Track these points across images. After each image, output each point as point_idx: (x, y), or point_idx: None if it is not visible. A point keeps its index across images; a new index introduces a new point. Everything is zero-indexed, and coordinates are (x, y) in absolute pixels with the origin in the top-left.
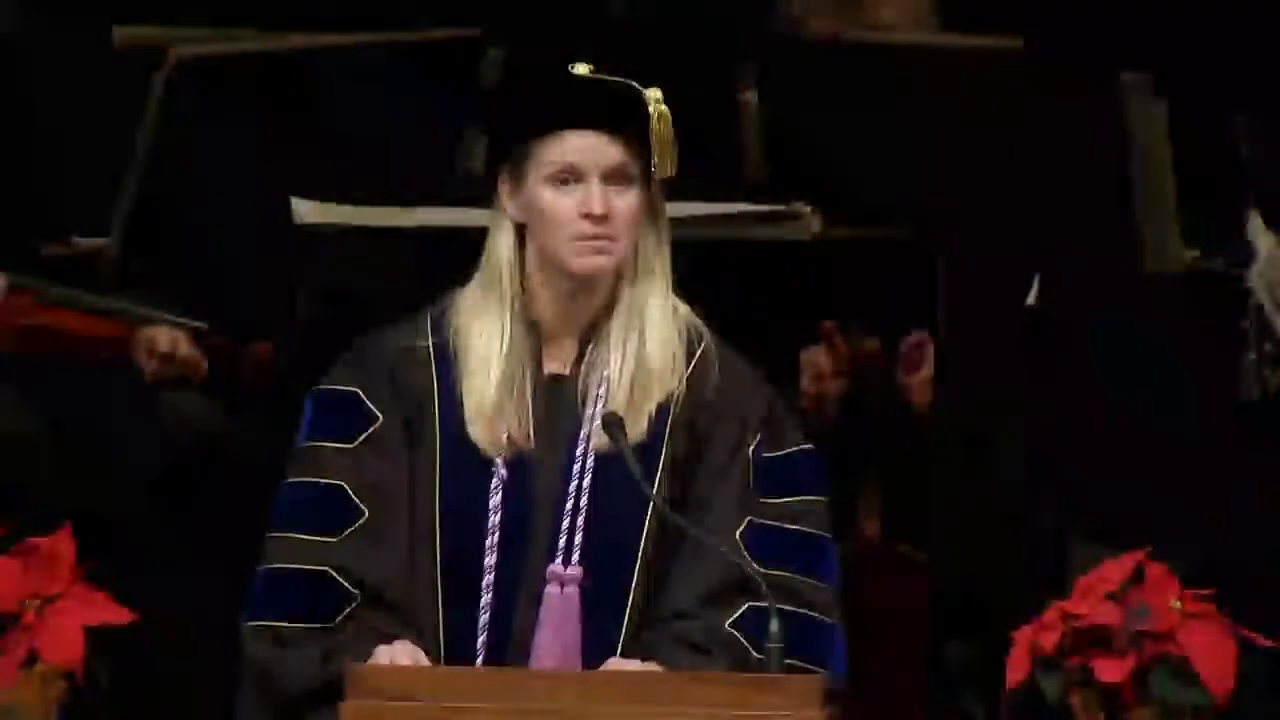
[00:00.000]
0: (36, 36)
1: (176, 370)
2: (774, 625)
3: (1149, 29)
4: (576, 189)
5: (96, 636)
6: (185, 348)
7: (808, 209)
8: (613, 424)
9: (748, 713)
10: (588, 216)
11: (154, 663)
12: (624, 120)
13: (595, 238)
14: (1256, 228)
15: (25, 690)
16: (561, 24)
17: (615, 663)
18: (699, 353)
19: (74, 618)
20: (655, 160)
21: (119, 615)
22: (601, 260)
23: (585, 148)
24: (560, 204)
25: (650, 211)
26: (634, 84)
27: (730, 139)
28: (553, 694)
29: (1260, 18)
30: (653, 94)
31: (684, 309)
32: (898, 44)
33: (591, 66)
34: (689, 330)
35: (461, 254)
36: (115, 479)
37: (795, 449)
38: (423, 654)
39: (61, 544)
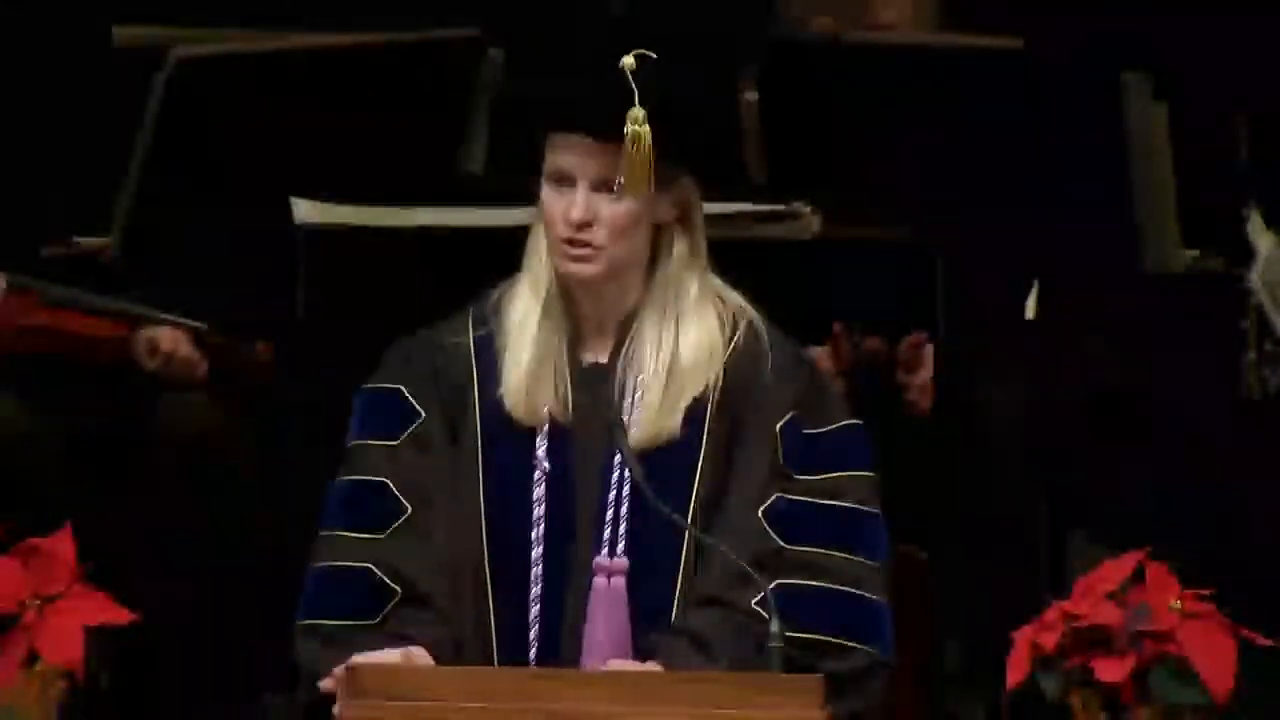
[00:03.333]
0: (36, 36)
1: (177, 370)
2: (774, 625)
3: (1149, 29)
4: (568, 193)
5: (96, 636)
6: (185, 348)
7: (808, 209)
8: (614, 426)
9: (748, 712)
10: (569, 222)
11: (154, 663)
12: (614, 129)
13: (578, 244)
14: (1256, 228)
15: (25, 690)
16: (561, 24)
17: (616, 663)
18: (739, 336)
19: (74, 618)
20: (622, 179)
21: (119, 615)
22: (583, 268)
23: (574, 154)
24: (553, 206)
25: (681, 205)
26: (635, 90)
27: (730, 139)
28: (552, 694)
29: (1260, 18)
30: (635, 113)
31: (727, 292)
32: (898, 44)
33: (634, 62)
34: (733, 314)
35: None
36: (115, 479)
37: (837, 425)
38: (416, 656)
39: (61, 544)
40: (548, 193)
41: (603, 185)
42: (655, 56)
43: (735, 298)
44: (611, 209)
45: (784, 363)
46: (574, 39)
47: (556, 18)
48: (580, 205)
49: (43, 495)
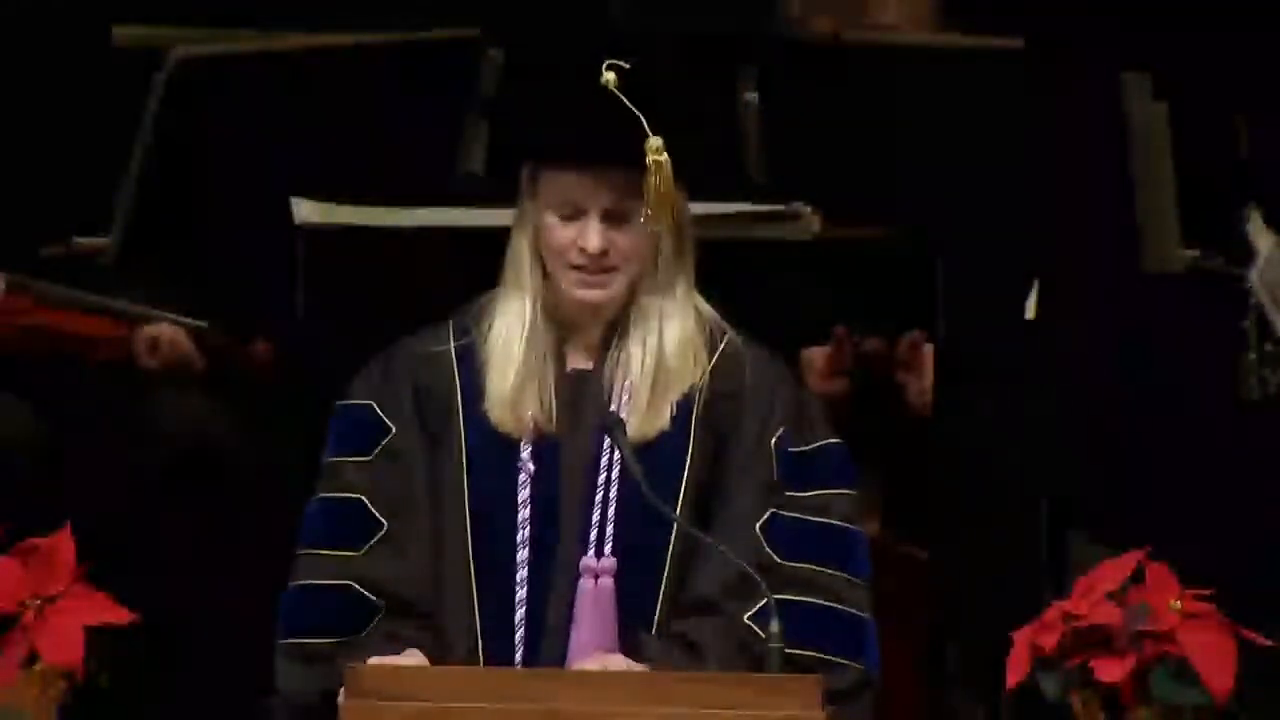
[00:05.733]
0: (36, 36)
1: (176, 369)
2: (774, 625)
3: (1149, 29)
4: (577, 222)
5: (96, 636)
6: (185, 346)
7: (808, 209)
8: (613, 424)
9: (748, 713)
10: (584, 251)
11: (154, 663)
12: (626, 159)
13: (592, 271)
14: (1256, 228)
15: (25, 690)
16: (561, 24)
17: (600, 656)
18: (722, 347)
19: (74, 618)
20: (648, 212)
21: (119, 615)
22: (597, 294)
23: (585, 185)
24: (561, 235)
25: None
26: (642, 118)
27: (730, 139)
28: (552, 694)
29: (1261, 18)
30: (653, 143)
31: (706, 308)
32: (898, 44)
33: (615, 75)
34: (711, 327)
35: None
36: (115, 479)
37: (823, 442)
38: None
39: (61, 544)
40: (554, 221)
41: (614, 213)
42: (631, 67)
43: (713, 313)
44: (624, 235)
45: (771, 376)
46: (573, 41)
47: (555, 19)
48: (596, 235)
49: (43, 495)
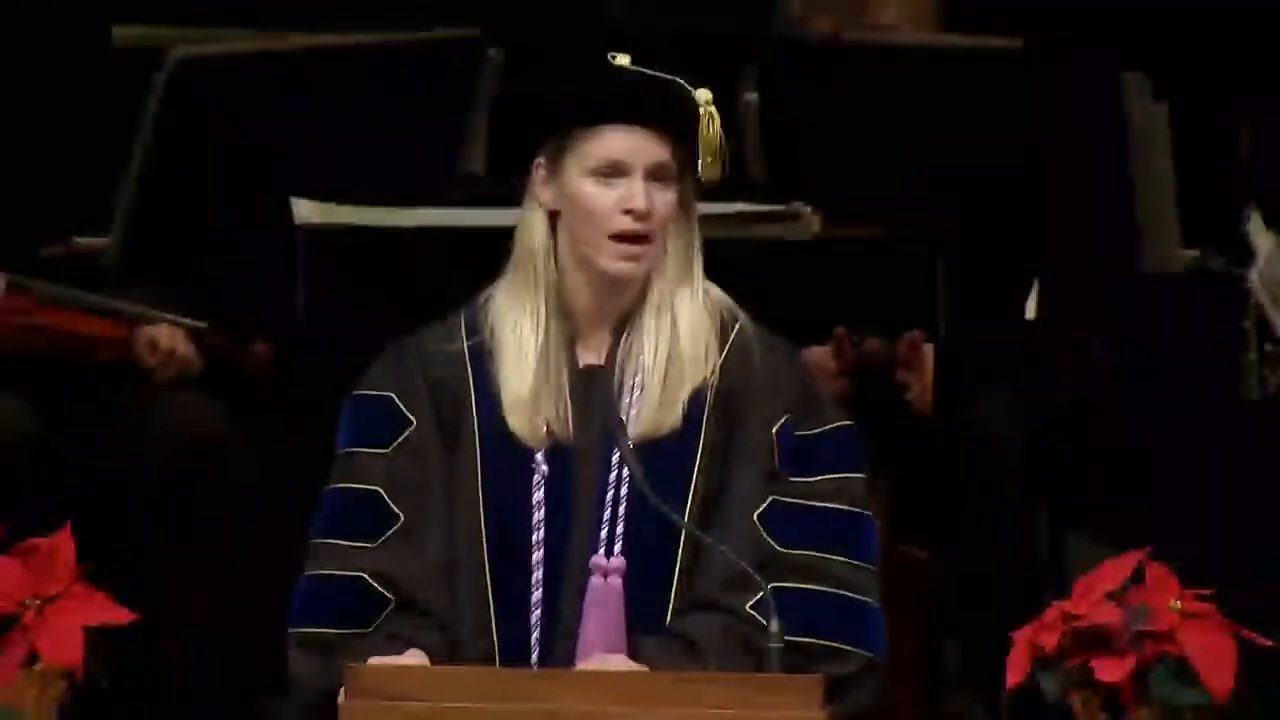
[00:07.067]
0: (36, 36)
1: (176, 369)
2: (774, 625)
3: (1149, 29)
4: (619, 184)
5: (96, 636)
6: (184, 347)
7: (808, 209)
8: (614, 427)
9: (748, 713)
10: (629, 212)
11: (154, 663)
12: (671, 118)
13: (634, 237)
14: (1256, 228)
15: (25, 690)
16: (559, 24)
17: (600, 658)
18: (733, 336)
19: (74, 618)
20: (705, 162)
21: (119, 615)
22: (634, 266)
23: (631, 144)
24: (602, 199)
25: (682, 203)
26: (683, 83)
27: (730, 139)
28: (552, 694)
29: (1261, 18)
30: (703, 95)
31: (717, 293)
32: (898, 44)
33: (631, 57)
34: (723, 315)
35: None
36: (115, 479)
37: (831, 426)
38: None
39: (61, 544)
40: (591, 186)
41: (656, 173)
42: (635, 61)
43: (724, 297)
44: (664, 197)
45: (777, 364)
46: (571, 41)
47: (556, 19)
48: (641, 194)
49: (43, 495)
